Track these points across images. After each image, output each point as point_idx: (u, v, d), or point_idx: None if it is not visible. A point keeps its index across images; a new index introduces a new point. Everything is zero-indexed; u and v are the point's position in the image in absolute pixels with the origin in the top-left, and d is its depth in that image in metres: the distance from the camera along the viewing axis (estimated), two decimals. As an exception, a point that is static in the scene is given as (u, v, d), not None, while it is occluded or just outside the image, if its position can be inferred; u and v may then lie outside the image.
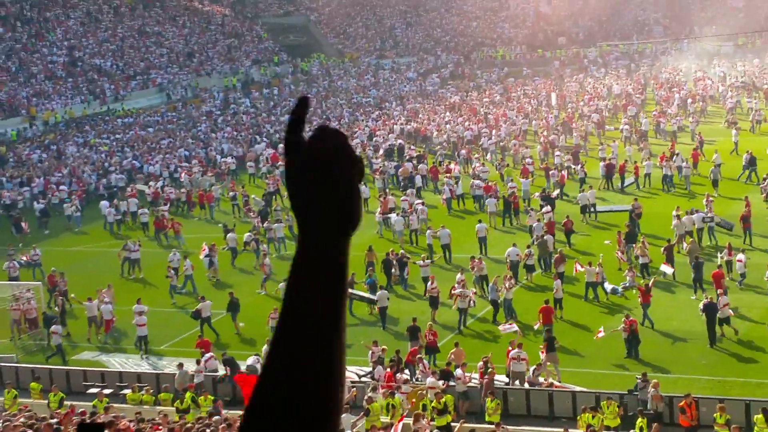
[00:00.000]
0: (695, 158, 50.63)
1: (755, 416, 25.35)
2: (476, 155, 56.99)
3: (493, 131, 62.14)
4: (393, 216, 44.73)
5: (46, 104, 79.84)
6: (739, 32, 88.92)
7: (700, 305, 31.61)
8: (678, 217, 39.94)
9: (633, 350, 30.71)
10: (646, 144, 55.00)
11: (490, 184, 48.82)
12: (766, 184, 45.41)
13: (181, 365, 30.56)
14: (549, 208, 43.59)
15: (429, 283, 35.37)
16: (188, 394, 28.10)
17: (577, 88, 77.65)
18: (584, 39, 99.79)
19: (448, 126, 66.17)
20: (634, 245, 38.27)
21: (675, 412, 26.64)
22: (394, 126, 68.01)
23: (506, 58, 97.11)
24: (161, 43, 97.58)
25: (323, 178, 2.10)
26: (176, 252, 42.42)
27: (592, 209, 45.18)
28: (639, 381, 27.21)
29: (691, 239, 38.32)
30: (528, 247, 38.88)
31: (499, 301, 34.05)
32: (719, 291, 32.21)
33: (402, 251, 40.37)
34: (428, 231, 41.99)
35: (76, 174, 61.20)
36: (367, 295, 35.13)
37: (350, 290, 34.63)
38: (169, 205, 52.92)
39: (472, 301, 34.36)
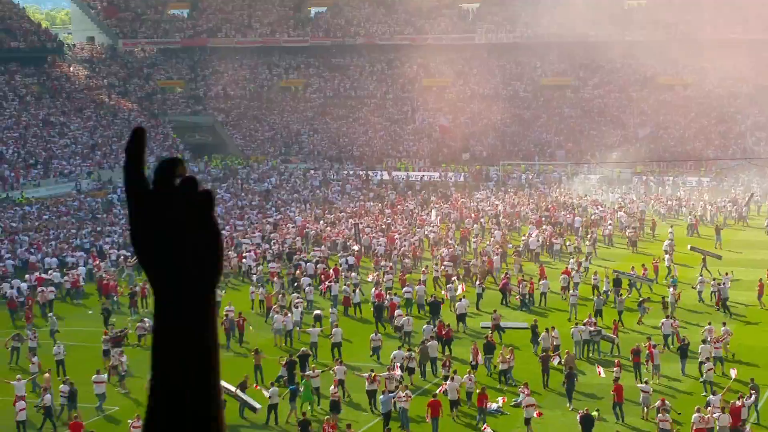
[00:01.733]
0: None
1: None
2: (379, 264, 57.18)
3: (395, 241, 62.51)
4: (275, 315, 44.85)
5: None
6: (638, 161, 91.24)
7: (577, 416, 32.16)
8: (546, 330, 41.07)
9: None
10: (518, 260, 57.34)
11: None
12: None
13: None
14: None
15: (332, 387, 35.00)
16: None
17: (474, 205, 78.57)
18: (487, 157, 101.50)
19: (350, 233, 66.43)
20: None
21: None
22: (291, 229, 68.19)
23: (409, 171, 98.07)
24: (65, 133, 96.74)
25: (179, 224, 1.85)
26: (60, 345, 41.36)
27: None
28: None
29: (567, 351, 38.75)
30: (409, 350, 39.40)
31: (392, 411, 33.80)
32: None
33: (303, 349, 40.02)
34: (312, 329, 42.62)
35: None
36: (250, 400, 34.42)
37: (239, 393, 34.16)
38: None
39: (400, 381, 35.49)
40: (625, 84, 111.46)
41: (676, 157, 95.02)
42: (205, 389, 1.83)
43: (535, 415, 32.66)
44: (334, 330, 41.98)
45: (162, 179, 1.84)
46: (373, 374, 35.57)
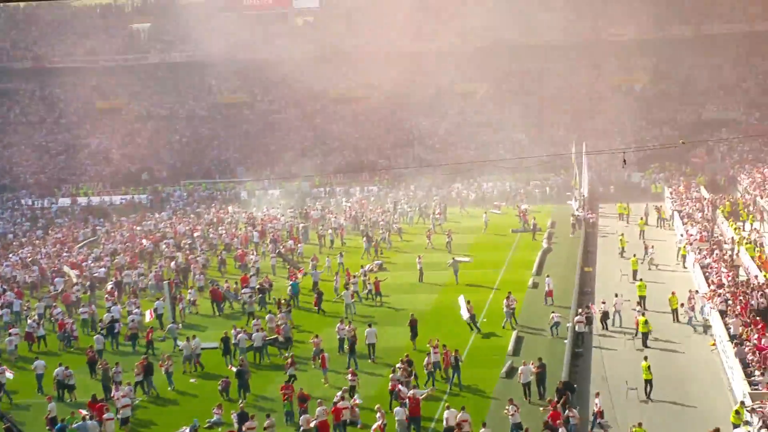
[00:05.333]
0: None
1: None
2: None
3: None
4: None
5: None
6: (316, 174, 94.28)
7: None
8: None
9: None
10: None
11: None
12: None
13: None
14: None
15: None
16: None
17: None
18: (168, 177, 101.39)
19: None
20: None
21: None
22: None
23: (89, 195, 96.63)
24: None
25: None
26: None
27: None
28: None
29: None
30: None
31: None
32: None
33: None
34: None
35: None
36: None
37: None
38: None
39: None
40: (299, 99, 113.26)
41: (353, 168, 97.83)
42: None
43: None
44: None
45: None
46: None
